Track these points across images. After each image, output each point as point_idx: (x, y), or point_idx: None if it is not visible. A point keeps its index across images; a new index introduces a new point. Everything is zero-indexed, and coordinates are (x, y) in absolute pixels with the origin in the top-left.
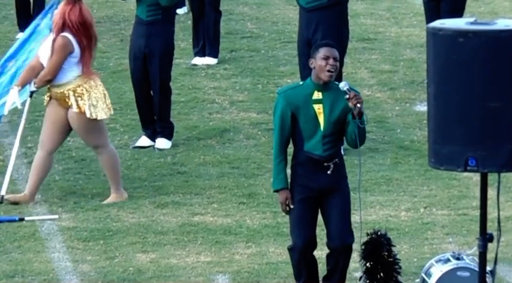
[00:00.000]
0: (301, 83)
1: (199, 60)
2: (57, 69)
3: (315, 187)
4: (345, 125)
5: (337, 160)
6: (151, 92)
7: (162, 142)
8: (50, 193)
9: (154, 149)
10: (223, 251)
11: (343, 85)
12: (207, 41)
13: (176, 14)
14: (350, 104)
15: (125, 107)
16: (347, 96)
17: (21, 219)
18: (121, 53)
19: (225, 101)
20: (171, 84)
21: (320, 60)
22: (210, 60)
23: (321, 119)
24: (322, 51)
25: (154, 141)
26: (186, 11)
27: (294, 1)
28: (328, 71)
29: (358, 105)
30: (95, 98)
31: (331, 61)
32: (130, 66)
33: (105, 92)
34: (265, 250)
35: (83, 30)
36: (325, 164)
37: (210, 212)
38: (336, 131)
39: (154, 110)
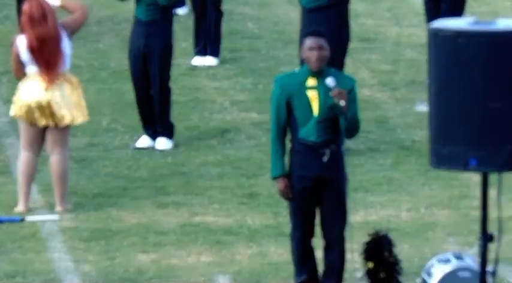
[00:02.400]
0: (297, 70)
1: (200, 60)
2: (13, 68)
3: (311, 176)
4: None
5: (333, 147)
6: (152, 92)
7: (163, 143)
8: (51, 193)
9: (155, 149)
10: (224, 251)
11: (329, 81)
12: (208, 41)
13: (176, 14)
14: (335, 100)
15: (125, 107)
16: (331, 93)
17: (22, 220)
18: (122, 53)
19: (226, 101)
20: (171, 84)
21: (307, 51)
22: (211, 60)
23: (315, 105)
24: (308, 43)
25: (155, 141)
26: (187, 11)
27: (295, 1)
28: (315, 62)
29: (342, 102)
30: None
31: (315, 52)
32: (130, 66)
33: (40, 99)
34: (266, 251)
35: (31, 29)
36: (321, 151)
37: (211, 212)
38: (330, 116)
39: (154, 110)
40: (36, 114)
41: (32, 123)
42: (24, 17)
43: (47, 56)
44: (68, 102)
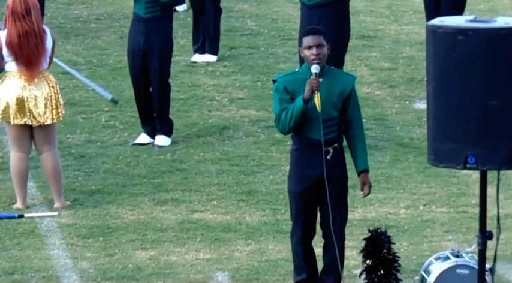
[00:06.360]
0: (297, 69)
1: (199, 58)
2: None
3: (313, 175)
4: (346, 113)
5: (336, 145)
6: (151, 89)
7: (162, 140)
8: (49, 190)
9: (154, 146)
10: (222, 248)
11: (313, 68)
12: (207, 38)
13: (176, 11)
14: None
15: (124, 104)
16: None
17: (21, 216)
18: (120, 50)
19: (225, 98)
20: (170, 81)
21: (305, 50)
22: (210, 58)
23: (318, 104)
24: (306, 41)
25: (153, 138)
26: (186, 8)
27: None
28: (313, 60)
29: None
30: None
31: (314, 50)
32: (129, 63)
33: (17, 97)
34: (264, 248)
35: (13, 23)
36: (324, 149)
37: (209, 209)
38: (334, 115)
39: (153, 107)
40: (15, 112)
41: (13, 121)
42: (7, 11)
43: (27, 52)
44: (46, 101)
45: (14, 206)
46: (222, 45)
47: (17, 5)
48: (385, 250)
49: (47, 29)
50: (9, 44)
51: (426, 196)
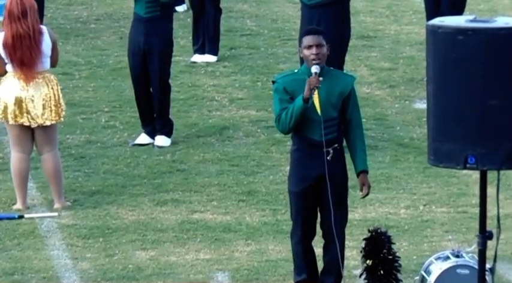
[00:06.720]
0: (296, 70)
1: (199, 58)
2: None
3: (313, 176)
4: (346, 113)
5: (336, 146)
6: (151, 89)
7: (162, 140)
8: (50, 190)
9: (154, 147)
10: (222, 249)
11: (314, 68)
12: (206, 38)
13: (175, 11)
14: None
15: (124, 104)
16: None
17: (21, 217)
18: (120, 50)
19: (225, 99)
20: (170, 81)
21: (305, 50)
22: (210, 58)
23: (318, 104)
24: (305, 41)
25: (153, 138)
26: (186, 8)
27: None
28: (313, 60)
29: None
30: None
31: (314, 50)
32: (129, 63)
33: (16, 98)
34: (264, 248)
35: (8, 25)
36: (325, 150)
37: (209, 210)
38: (334, 115)
39: (153, 107)
40: (13, 113)
41: (12, 121)
42: (4, 12)
43: (21, 54)
44: (44, 102)
45: (14, 207)
46: (222, 46)
47: (14, 6)
48: (385, 250)
49: (44, 29)
50: (5, 46)
51: (426, 196)
